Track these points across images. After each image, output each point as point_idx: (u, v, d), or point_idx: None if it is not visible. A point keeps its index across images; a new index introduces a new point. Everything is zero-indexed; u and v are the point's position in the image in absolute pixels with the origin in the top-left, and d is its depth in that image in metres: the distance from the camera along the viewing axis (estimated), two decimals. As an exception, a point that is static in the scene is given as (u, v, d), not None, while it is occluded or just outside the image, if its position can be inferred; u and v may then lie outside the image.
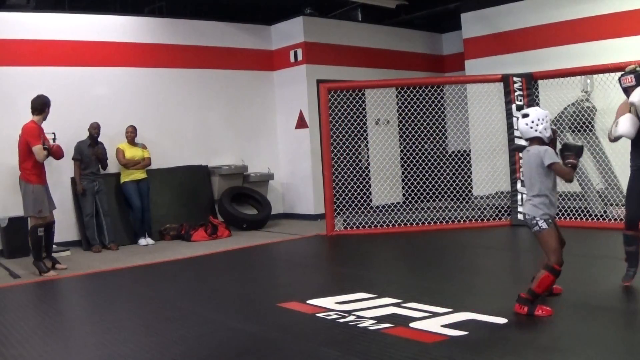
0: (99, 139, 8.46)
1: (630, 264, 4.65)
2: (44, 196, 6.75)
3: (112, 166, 8.77)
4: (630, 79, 4.54)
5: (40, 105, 6.73)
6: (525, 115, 4.08)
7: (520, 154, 4.29)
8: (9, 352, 3.88)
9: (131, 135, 8.72)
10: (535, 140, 4.08)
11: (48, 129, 8.27)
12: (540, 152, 4.01)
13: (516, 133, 8.33)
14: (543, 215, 4.01)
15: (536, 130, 4.04)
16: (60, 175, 8.55)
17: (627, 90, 4.56)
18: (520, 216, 8.27)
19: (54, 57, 8.62)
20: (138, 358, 3.70)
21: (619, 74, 7.48)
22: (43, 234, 6.71)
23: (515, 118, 8.34)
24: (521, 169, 8.25)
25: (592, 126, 8.31)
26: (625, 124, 4.39)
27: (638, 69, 4.61)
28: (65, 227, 8.53)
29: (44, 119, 6.86)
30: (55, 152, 6.96)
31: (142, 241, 8.63)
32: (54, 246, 8.08)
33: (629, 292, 4.64)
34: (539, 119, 4.04)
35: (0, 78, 8.21)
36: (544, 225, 4.02)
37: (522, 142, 8.28)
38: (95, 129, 8.35)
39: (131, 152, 8.68)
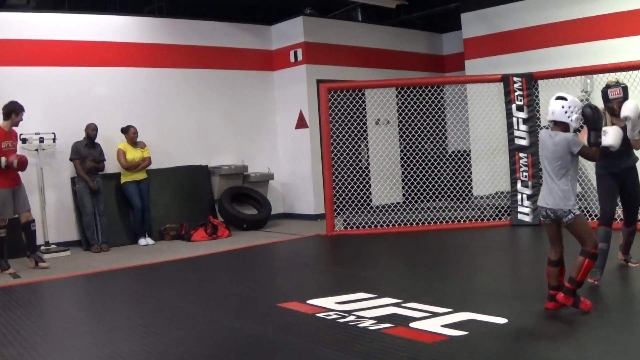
0: (96, 140, 8.45)
1: (600, 264, 4.71)
2: (5, 199, 6.79)
3: (112, 166, 8.77)
4: (618, 91, 4.86)
5: (7, 111, 6.82)
6: (563, 98, 3.98)
7: (541, 137, 4.16)
8: (9, 352, 3.88)
9: (134, 136, 8.71)
10: (560, 126, 3.99)
11: (48, 129, 8.32)
12: (568, 139, 3.93)
13: (516, 133, 8.34)
14: (575, 205, 3.95)
15: (569, 117, 3.95)
16: (60, 176, 8.56)
17: (611, 102, 4.88)
18: (520, 216, 8.29)
19: (54, 57, 8.62)
20: (138, 358, 3.70)
21: (619, 74, 7.54)
22: (5, 235, 6.89)
23: (515, 118, 8.36)
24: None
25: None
26: (614, 136, 4.55)
27: (620, 82, 4.99)
28: (66, 227, 8.54)
29: (13, 124, 6.89)
30: (21, 164, 6.88)
31: (142, 241, 8.63)
32: (54, 246, 8.11)
33: (630, 292, 4.64)
34: (575, 107, 3.97)
35: (0, 78, 8.20)
36: (578, 212, 3.96)
37: (523, 143, 8.33)
38: (93, 130, 8.33)
39: (132, 154, 8.65)
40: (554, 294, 4.07)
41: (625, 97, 4.88)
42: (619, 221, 5.37)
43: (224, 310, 4.83)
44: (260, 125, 10.70)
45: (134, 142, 8.72)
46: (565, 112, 3.95)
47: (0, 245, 6.89)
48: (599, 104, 8.41)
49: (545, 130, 4.17)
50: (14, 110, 6.85)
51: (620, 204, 5.20)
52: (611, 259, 5.10)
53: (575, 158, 3.99)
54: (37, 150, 8.20)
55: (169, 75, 9.66)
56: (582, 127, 4.30)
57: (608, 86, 4.96)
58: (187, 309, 4.87)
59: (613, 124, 4.82)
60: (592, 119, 4.07)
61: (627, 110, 4.77)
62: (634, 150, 5.03)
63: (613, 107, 4.89)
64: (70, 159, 8.33)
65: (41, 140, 8.20)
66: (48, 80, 8.52)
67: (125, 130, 8.72)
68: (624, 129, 4.78)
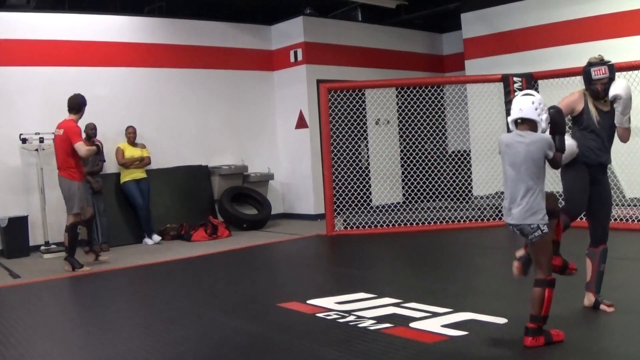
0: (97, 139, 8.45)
1: (597, 289, 4.12)
2: (85, 193, 7.04)
3: (112, 166, 8.77)
4: (603, 70, 4.05)
5: (78, 105, 6.90)
6: (531, 94, 3.53)
7: (504, 141, 3.59)
8: (9, 352, 3.88)
9: (132, 135, 8.73)
10: (528, 125, 3.50)
11: (48, 129, 8.30)
12: (547, 139, 3.47)
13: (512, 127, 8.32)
14: (545, 219, 3.43)
15: (539, 115, 3.48)
16: (60, 175, 8.56)
17: (595, 83, 4.07)
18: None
19: (54, 57, 8.62)
20: (138, 358, 3.70)
21: (619, 74, 7.52)
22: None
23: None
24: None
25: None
26: (620, 85, 4.02)
27: (605, 59, 4.16)
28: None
29: (80, 118, 7.01)
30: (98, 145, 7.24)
31: (149, 241, 8.61)
32: (54, 246, 8.11)
33: (629, 292, 4.64)
34: (544, 106, 3.52)
35: (1, 78, 8.20)
36: (547, 230, 3.44)
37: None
38: (92, 130, 8.31)
39: (130, 152, 8.68)
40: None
41: (611, 77, 4.06)
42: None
43: (224, 310, 4.83)
44: (260, 125, 10.70)
45: (132, 141, 8.73)
46: (536, 109, 3.46)
47: (75, 242, 6.93)
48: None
49: (508, 134, 3.64)
50: (85, 104, 6.95)
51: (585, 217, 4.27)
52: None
53: (544, 164, 3.50)
54: (37, 150, 8.21)
55: (169, 75, 9.66)
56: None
57: (590, 64, 4.11)
58: (187, 309, 4.87)
59: (596, 108, 4.12)
60: (559, 122, 3.60)
61: (617, 88, 4.02)
62: (623, 143, 4.23)
63: (597, 89, 4.07)
64: (71, 159, 8.32)
65: (41, 140, 8.20)
66: (48, 80, 8.52)
67: (125, 130, 8.75)
68: (609, 113, 4.10)
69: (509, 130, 3.71)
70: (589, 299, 4.15)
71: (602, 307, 4.07)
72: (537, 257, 3.53)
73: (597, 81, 4.06)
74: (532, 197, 3.42)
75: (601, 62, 4.10)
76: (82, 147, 6.69)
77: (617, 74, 7.61)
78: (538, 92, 8.51)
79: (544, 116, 3.49)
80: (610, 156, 4.22)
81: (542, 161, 3.46)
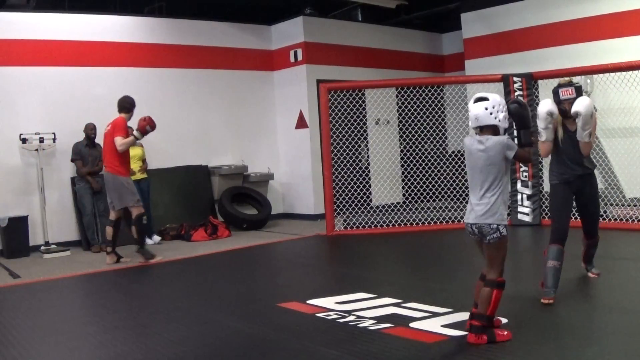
0: (97, 140, 8.44)
1: (552, 283, 4.30)
2: (134, 188, 7.12)
3: (112, 166, 8.77)
4: (570, 91, 4.44)
5: (129, 105, 7.12)
6: (483, 99, 3.51)
7: (466, 145, 3.70)
8: (9, 352, 3.88)
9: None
10: (489, 130, 3.53)
11: (48, 129, 8.33)
12: (502, 142, 3.48)
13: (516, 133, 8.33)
14: (504, 220, 3.49)
15: (495, 118, 3.48)
16: (60, 176, 8.56)
17: (563, 103, 4.45)
18: (520, 216, 8.29)
19: (54, 57, 8.62)
20: (138, 358, 3.70)
21: (619, 74, 7.55)
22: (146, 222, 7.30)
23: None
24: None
25: (592, 126, 8.30)
26: (582, 103, 4.32)
27: (574, 81, 4.59)
28: (66, 227, 8.54)
29: (130, 118, 7.16)
30: (143, 130, 7.14)
31: (149, 241, 8.61)
32: (54, 246, 8.12)
33: (629, 292, 4.64)
34: (500, 105, 3.50)
35: (1, 78, 8.20)
36: (505, 232, 3.49)
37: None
38: (91, 130, 8.32)
39: (133, 151, 8.63)
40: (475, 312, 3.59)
41: (577, 97, 4.43)
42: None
43: (224, 310, 4.83)
44: (260, 125, 10.70)
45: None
46: (491, 114, 3.47)
47: (144, 233, 7.22)
48: (599, 103, 8.46)
49: (470, 137, 3.66)
50: (134, 105, 7.19)
51: (577, 214, 4.82)
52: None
53: (508, 165, 3.57)
54: (37, 150, 8.21)
55: (169, 75, 9.66)
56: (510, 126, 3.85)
57: (560, 85, 4.51)
58: (187, 309, 4.87)
59: (564, 127, 4.49)
60: (520, 116, 3.62)
61: (579, 105, 4.31)
62: (584, 155, 4.56)
63: (565, 108, 4.44)
64: (72, 160, 8.33)
65: (41, 140, 8.21)
66: (48, 80, 8.53)
67: None
68: (575, 132, 4.45)
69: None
70: (582, 265, 4.99)
71: (590, 274, 4.93)
72: (492, 257, 3.57)
73: (564, 101, 4.45)
74: (492, 197, 3.50)
75: (569, 83, 4.50)
76: (118, 140, 6.85)
77: (616, 74, 7.64)
78: (538, 92, 8.54)
79: (501, 116, 3.50)
80: (589, 164, 4.62)
81: (502, 164, 3.51)
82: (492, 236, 3.49)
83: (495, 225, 3.47)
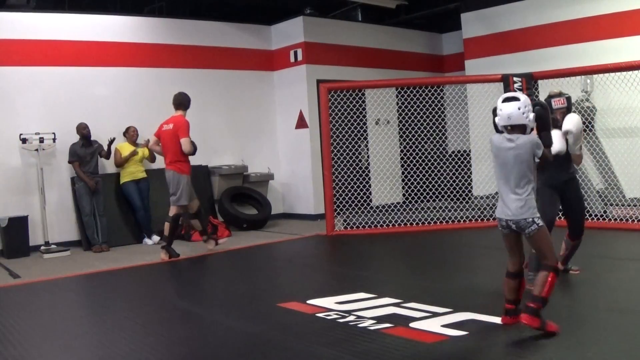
0: (95, 138, 8.44)
1: (537, 268, 4.29)
2: (191, 189, 7.32)
3: (112, 166, 8.78)
4: (562, 101, 4.69)
5: (186, 101, 7.23)
6: (515, 99, 3.65)
7: (495, 143, 3.76)
8: (9, 352, 3.88)
9: (134, 134, 8.74)
10: (519, 129, 3.66)
11: (48, 129, 8.33)
12: (533, 141, 3.64)
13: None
14: (537, 212, 3.67)
15: (527, 117, 3.62)
16: (60, 176, 8.57)
17: (555, 112, 4.68)
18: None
19: (54, 57, 8.62)
20: (138, 358, 3.70)
21: (619, 74, 7.55)
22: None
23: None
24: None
25: (592, 126, 8.32)
26: (559, 142, 4.52)
27: (564, 93, 4.82)
28: (66, 227, 8.54)
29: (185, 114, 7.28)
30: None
31: (148, 241, 8.62)
32: (54, 246, 8.12)
33: (629, 292, 4.64)
34: (529, 106, 3.66)
35: (1, 78, 8.20)
36: (541, 222, 3.67)
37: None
38: (84, 129, 8.29)
39: (127, 151, 8.66)
40: (510, 308, 3.82)
41: (568, 107, 4.72)
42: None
43: (224, 310, 4.83)
44: (260, 125, 10.70)
45: (133, 141, 8.74)
46: (523, 113, 3.61)
47: (175, 232, 7.32)
48: (599, 103, 8.46)
49: (498, 136, 3.77)
50: (190, 101, 7.30)
51: (563, 217, 5.01)
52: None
53: (534, 163, 3.71)
54: (37, 150, 8.21)
55: (169, 75, 9.66)
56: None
57: (551, 96, 4.78)
58: (187, 309, 4.87)
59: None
60: (545, 119, 3.83)
61: (569, 124, 4.64)
62: (575, 165, 4.91)
63: (556, 117, 4.69)
64: (69, 162, 8.32)
65: (41, 140, 8.20)
66: (48, 80, 8.53)
67: (125, 131, 8.74)
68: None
69: (497, 129, 3.87)
70: (559, 267, 4.76)
71: (571, 272, 5.10)
72: (539, 247, 3.72)
73: (557, 110, 4.68)
74: (525, 193, 3.66)
75: (560, 94, 4.76)
76: (186, 143, 6.99)
77: (616, 74, 7.64)
78: (538, 92, 8.54)
79: (531, 116, 3.65)
80: (572, 169, 4.87)
81: (532, 161, 3.67)
82: (530, 229, 3.66)
83: (530, 219, 3.64)
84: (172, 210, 7.18)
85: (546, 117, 3.86)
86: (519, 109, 3.62)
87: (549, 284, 3.61)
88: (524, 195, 3.65)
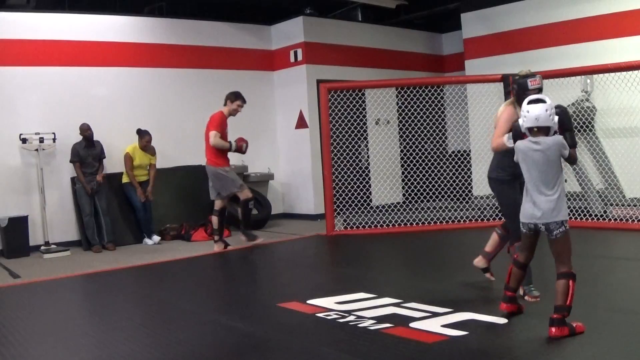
0: (95, 138, 8.43)
1: (527, 281, 4.38)
2: (235, 174, 7.48)
3: (114, 166, 8.77)
4: (538, 81, 4.35)
5: (233, 96, 7.45)
6: (541, 101, 3.68)
7: (522, 149, 3.76)
8: (9, 352, 3.88)
9: (148, 144, 8.70)
10: (543, 131, 3.68)
11: (48, 129, 8.33)
12: (560, 142, 3.66)
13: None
14: (567, 215, 3.68)
15: (552, 120, 3.67)
16: (60, 176, 8.57)
17: (532, 92, 4.21)
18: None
19: (54, 57, 8.62)
20: (138, 358, 3.70)
21: (619, 74, 7.55)
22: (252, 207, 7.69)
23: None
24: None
25: (592, 126, 8.32)
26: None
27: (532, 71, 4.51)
28: (66, 227, 8.55)
29: (230, 112, 7.52)
30: (246, 148, 7.69)
31: (149, 241, 8.62)
32: (54, 246, 8.13)
33: (629, 292, 4.64)
34: (553, 108, 3.70)
35: (1, 78, 8.20)
36: (567, 226, 3.67)
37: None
38: (86, 131, 8.29)
39: (140, 160, 8.63)
40: (511, 295, 3.94)
41: (541, 87, 4.38)
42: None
43: (224, 310, 4.83)
44: (260, 125, 10.70)
45: (146, 148, 8.69)
46: (550, 116, 3.66)
47: (249, 216, 7.62)
48: (599, 103, 8.45)
49: (522, 141, 3.79)
50: (229, 97, 7.47)
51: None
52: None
53: (561, 163, 3.74)
54: (37, 150, 8.21)
55: (169, 75, 9.66)
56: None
57: (525, 76, 4.40)
58: (187, 309, 4.87)
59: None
60: (567, 120, 3.87)
61: (509, 140, 4.33)
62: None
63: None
64: (71, 162, 8.32)
65: (41, 140, 8.21)
66: (48, 80, 8.52)
67: (140, 134, 8.67)
68: None
69: (512, 133, 3.92)
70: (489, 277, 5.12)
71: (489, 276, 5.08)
72: (560, 251, 3.69)
73: (532, 90, 4.31)
74: (555, 195, 3.67)
75: (533, 74, 4.41)
76: (212, 136, 7.15)
77: (616, 74, 7.64)
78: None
79: (556, 119, 3.70)
80: None
81: (560, 161, 3.71)
82: (558, 231, 3.65)
83: (560, 221, 3.65)
84: (217, 205, 7.44)
85: (567, 119, 3.90)
86: (546, 110, 3.65)
87: (572, 291, 3.59)
88: (555, 197, 3.67)
